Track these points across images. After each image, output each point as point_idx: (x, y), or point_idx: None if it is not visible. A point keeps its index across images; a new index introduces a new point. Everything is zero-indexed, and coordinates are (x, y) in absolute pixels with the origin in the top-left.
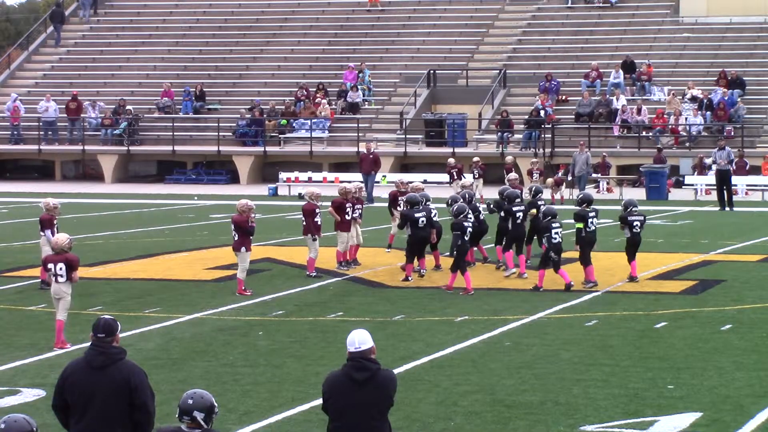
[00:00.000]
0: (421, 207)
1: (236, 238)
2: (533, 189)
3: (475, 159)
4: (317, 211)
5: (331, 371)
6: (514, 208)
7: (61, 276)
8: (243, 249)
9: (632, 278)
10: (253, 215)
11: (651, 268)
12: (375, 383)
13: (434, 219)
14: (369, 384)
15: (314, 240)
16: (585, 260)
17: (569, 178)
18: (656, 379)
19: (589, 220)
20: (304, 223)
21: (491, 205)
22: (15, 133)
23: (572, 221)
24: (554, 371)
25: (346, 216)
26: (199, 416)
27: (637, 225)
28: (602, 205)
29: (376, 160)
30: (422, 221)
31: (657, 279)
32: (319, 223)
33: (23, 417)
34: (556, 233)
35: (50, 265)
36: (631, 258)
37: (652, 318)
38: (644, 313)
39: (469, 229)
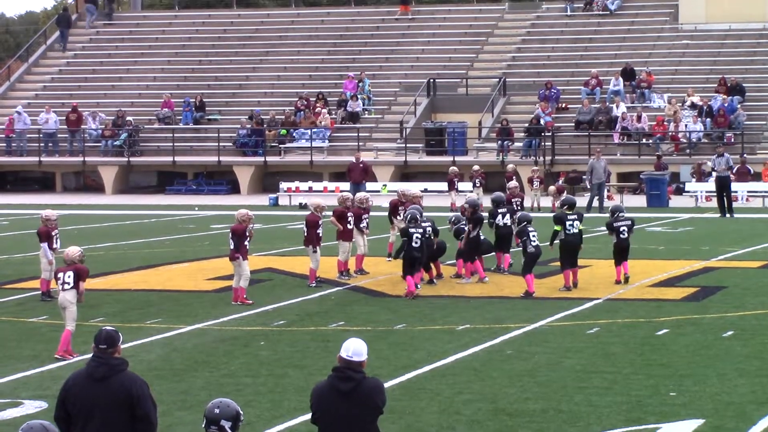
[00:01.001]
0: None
1: (232, 247)
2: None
3: (475, 168)
4: (320, 222)
5: (318, 383)
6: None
7: (68, 284)
8: (240, 258)
9: (625, 278)
10: (251, 228)
11: (652, 275)
12: (360, 393)
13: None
14: (354, 394)
15: (315, 251)
16: (564, 264)
17: (587, 185)
18: (658, 386)
19: (568, 223)
20: (306, 234)
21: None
22: (11, 144)
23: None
24: (556, 379)
25: (348, 225)
26: (226, 425)
27: (624, 231)
28: (602, 213)
29: (366, 169)
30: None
31: (658, 286)
32: (320, 234)
33: (40, 423)
34: (534, 236)
35: (60, 275)
36: (618, 263)
37: (654, 325)
38: (646, 320)
39: (416, 236)
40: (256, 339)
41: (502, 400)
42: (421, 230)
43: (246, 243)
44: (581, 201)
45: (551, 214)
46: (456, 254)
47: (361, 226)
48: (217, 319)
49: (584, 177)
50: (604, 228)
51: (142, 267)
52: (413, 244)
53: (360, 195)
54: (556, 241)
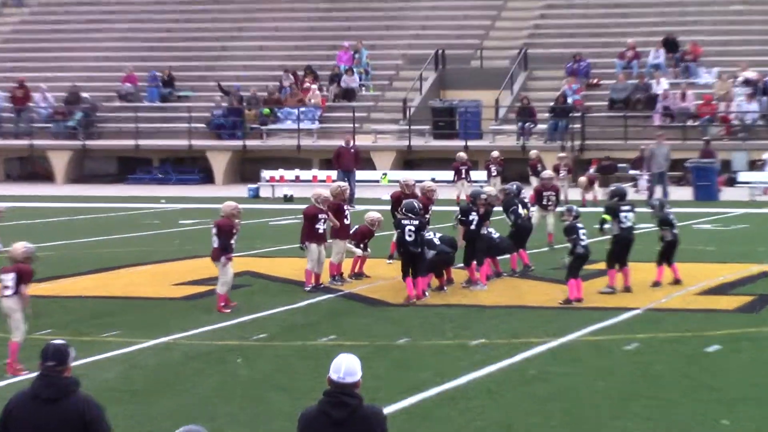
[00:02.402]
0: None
1: (215, 245)
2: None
3: (494, 154)
4: (320, 216)
5: (306, 408)
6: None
7: (9, 288)
8: (223, 259)
9: (658, 283)
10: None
11: (700, 280)
12: (356, 422)
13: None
14: (349, 423)
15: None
16: (611, 262)
17: (645, 175)
18: (708, 413)
19: (622, 215)
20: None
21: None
22: None
23: (598, 225)
24: (587, 405)
25: (345, 220)
26: None
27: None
28: (639, 207)
29: (357, 155)
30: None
31: (708, 294)
32: (320, 231)
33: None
34: (584, 235)
35: (2, 276)
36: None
37: (703, 340)
38: (693, 334)
39: (409, 228)
40: (232, 355)
41: (522, 429)
42: (416, 222)
43: (232, 242)
44: None
45: (593, 209)
46: (464, 257)
47: (360, 246)
48: (186, 332)
49: (621, 166)
50: (654, 225)
51: (98, 270)
52: (407, 237)
53: (372, 215)
54: (606, 228)
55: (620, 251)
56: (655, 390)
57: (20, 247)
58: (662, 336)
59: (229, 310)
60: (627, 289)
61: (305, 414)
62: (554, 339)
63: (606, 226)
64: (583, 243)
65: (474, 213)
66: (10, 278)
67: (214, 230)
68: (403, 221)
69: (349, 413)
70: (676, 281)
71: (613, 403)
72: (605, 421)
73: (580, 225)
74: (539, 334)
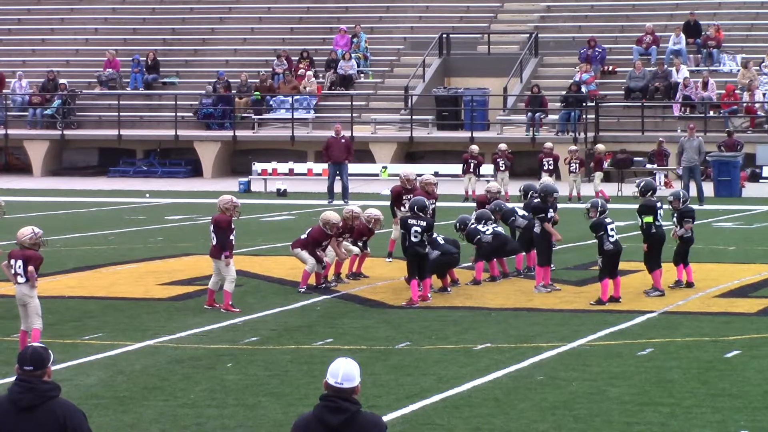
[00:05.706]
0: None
1: (214, 243)
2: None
3: (502, 146)
4: (324, 243)
5: (301, 415)
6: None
7: (21, 276)
8: (223, 256)
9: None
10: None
11: (720, 282)
12: (354, 430)
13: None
14: (346, 430)
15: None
16: (653, 263)
17: (678, 170)
18: (727, 421)
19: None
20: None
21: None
22: None
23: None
24: (599, 412)
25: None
26: None
27: (612, 232)
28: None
29: (348, 146)
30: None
31: (727, 296)
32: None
33: None
34: (613, 230)
35: (12, 261)
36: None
37: (722, 345)
38: (712, 339)
39: (415, 229)
40: (223, 360)
41: None
42: (423, 222)
43: (231, 238)
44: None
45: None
46: (475, 257)
47: (359, 245)
48: (173, 335)
49: (637, 159)
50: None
51: (79, 268)
52: (413, 238)
53: (371, 213)
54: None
55: (658, 251)
56: (670, 397)
57: (27, 232)
58: (679, 340)
59: (238, 309)
60: (655, 291)
61: (299, 421)
62: (564, 343)
63: (655, 224)
64: (612, 239)
65: (551, 209)
66: (19, 265)
67: (211, 227)
68: (409, 221)
69: (347, 420)
70: (689, 284)
71: (626, 411)
72: (618, 430)
73: (608, 220)
74: (548, 338)
